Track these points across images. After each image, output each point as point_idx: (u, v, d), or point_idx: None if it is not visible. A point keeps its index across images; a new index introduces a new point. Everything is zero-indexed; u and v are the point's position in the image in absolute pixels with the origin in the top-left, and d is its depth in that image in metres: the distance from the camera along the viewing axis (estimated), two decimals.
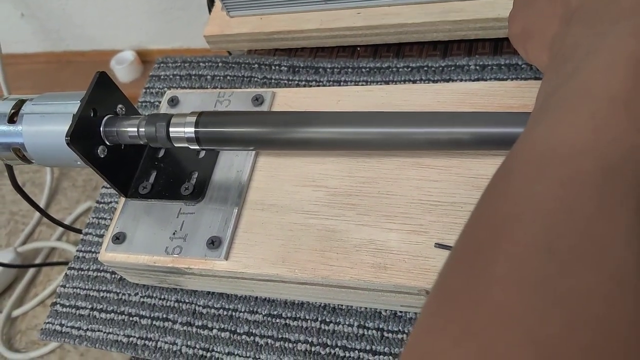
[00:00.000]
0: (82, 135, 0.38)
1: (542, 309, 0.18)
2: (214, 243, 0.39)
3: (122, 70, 1.17)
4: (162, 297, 0.44)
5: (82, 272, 0.47)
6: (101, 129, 0.39)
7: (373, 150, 0.39)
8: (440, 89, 0.42)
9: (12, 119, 0.40)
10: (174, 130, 0.38)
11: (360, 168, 0.40)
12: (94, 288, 0.46)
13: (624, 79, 0.22)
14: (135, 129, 0.39)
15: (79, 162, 0.39)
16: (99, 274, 0.47)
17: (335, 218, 0.38)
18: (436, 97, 0.42)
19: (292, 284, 0.38)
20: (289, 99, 0.45)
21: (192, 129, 0.38)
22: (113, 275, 0.46)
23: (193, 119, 0.39)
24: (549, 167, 0.21)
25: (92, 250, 0.49)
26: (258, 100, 0.45)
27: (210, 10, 0.58)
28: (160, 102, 0.52)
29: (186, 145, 0.39)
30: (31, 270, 1.20)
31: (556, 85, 0.25)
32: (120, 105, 0.41)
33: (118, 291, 0.45)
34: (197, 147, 0.39)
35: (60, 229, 1.23)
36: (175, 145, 0.39)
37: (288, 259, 0.37)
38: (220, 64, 0.55)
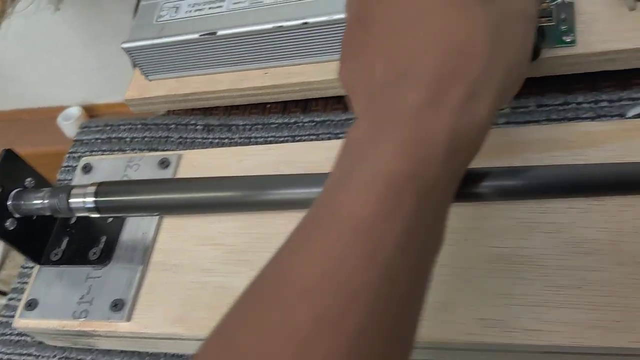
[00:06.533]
0: None
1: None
2: (117, 305, 0.41)
3: (69, 126, 1.19)
4: (79, 357, 0.46)
5: (5, 337, 0.49)
6: (8, 202, 0.42)
7: (261, 211, 0.42)
8: (332, 146, 0.45)
9: None
10: (73, 201, 0.41)
11: (257, 224, 0.42)
12: (15, 352, 0.48)
13: (366, 204, 0.23)
14: (41, 202, 0.42)
15: None
16: (20, 338, 0.48)
17: (230, 275, 0.41)
18: (326, 153, 0.45)
19: (191, 341, 0.40)
20: (195, 160, 0.48)
21: (92, 199, 0.41)
22: (33, 339, 0.48)
23: (93, 189, 0.41)
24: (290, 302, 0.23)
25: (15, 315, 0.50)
26: (164, 163, 0.47)
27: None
28: None
29: (87, 214, 0.41)
30: None
31: (325, 192, 0.26)
32: (29, 179, 0.44)
33: (37, 354, 0.47)
34: (98, 216, 0.42)
35: None
36: (77, 215, 0.41)
37: (186, 318, 0.40)
38: (139, 126, 0.57)
